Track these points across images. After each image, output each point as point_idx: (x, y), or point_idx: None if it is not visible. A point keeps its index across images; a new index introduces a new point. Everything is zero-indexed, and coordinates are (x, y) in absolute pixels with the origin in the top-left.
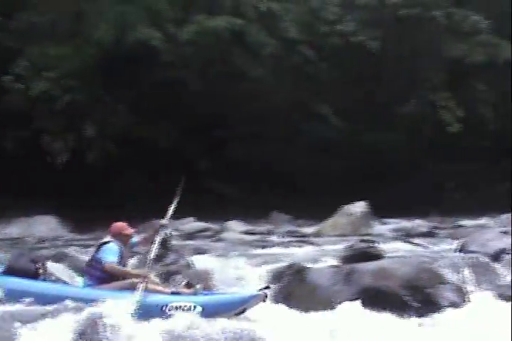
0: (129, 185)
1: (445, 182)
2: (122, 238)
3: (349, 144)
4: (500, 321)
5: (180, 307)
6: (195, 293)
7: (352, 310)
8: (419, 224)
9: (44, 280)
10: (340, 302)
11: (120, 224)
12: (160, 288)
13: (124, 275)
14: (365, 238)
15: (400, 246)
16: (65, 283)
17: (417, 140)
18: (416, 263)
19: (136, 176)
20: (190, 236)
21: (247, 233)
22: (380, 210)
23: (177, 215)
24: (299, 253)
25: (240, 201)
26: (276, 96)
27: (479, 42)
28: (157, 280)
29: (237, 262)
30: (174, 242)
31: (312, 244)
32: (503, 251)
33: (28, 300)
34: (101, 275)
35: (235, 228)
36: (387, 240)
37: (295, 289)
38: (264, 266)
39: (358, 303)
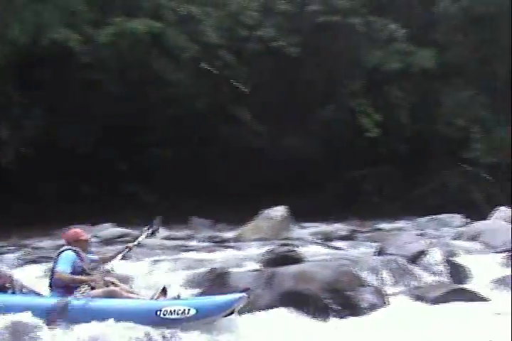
0: (45, 188)
1: (363, 186)
2: (79, 244)
3: (268, 148)
4: (418, 322)
5: (174, 311)
6: (176, 298)
7: (273, 313)
8: (338, 227)
9: (13, 293)
10: (261, 306)
11: (74, 231)
12: (134, 295)
13: (75, 283)
14: (286, 242)
15: (319, 250)
16: (37, 294)
17: (336, 144)
18: (336, 266)
19: (53, 179)
20: (110, 241)
21: (167, 238)
22: (300, 214)
23: (95, 221)
24: (220, 257)
25: (160, 206)
26: (195, 100)
27: (396, 50)
28: (128, 287)
29: (158, 267)
30: (93, 249)
31: (233, 248)
32: (420, 253)
33: None
34: (62, 284)
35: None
36: (307, 244)
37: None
38: (185, 271)
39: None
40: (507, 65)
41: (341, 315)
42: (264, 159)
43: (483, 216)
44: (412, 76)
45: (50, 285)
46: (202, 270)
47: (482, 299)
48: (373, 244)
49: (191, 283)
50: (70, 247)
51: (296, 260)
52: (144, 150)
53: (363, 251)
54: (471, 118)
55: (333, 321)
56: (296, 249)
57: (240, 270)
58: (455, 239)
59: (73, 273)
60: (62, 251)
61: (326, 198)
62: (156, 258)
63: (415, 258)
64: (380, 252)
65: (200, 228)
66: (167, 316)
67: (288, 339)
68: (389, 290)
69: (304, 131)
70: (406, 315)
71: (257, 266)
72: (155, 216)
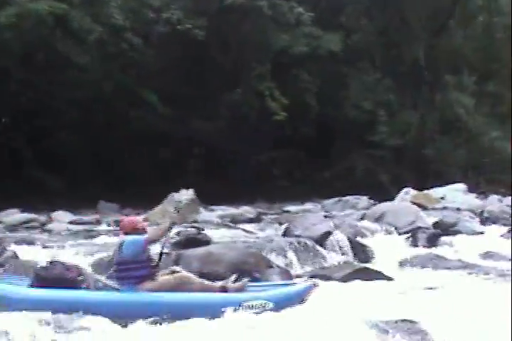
0: None
1: (272, 169)
2: (138, 233)
3: (176, 132)
4: (328, 302)
5: (254, 305)
6: (243, 288)
7: None
8: (246, 210)
9: (86, 288)
10: None
11: (130, 219)
12: (206, 282)
13: (166, 231)
14: (193, 225)
15: (227, 233)
16: (114, 289)
17: (244, 127)
18: (243, 248)
19: None
20: (15, 227)
21: (74, 223)
22: (208, 197)
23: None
24: None
25: (66, 191)
26: (102, 83)
27: (303, 34)
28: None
29: (63, 252)
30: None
31: None
32: (326, 234)
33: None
34: (138, 274)
35: (62, 219)
36: (214, 226)
37: None
38: (91, 256)
39: None
40: (412, 49)
41: None
42: (173, 143)
43: (388, 197)
44: (319, 59)
45: (117, 278)
46: (108, 254)
47: (386, 278)
48: (280, 226)
49: (97, 267)
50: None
51: (204, 242)
52: (50, 135)
53: (270, 233)
54: (377, 102)
55: None
56: (203, 231)
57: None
58: (360, 220)
59: (138, 261)
60: (124, 241)
61: (235, 181)
62: (62, 243)
63: (321, 239)
64: (287, 234)
65: (107, 212)
66: (247, 311)
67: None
68: (296, 270)
69: (212, 114)
70: (314, 295)
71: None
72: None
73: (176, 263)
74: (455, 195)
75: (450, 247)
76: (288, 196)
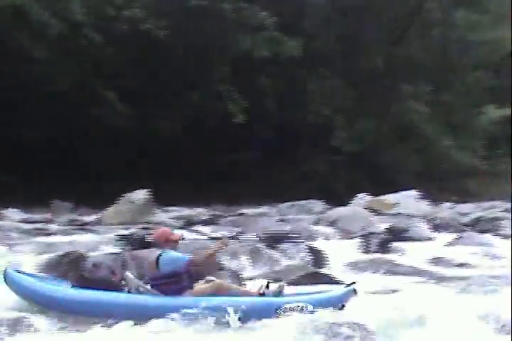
0: None
1: (229, 171)
2: (170, 244)
3: (134, 131)
4: None
5: (293, 308)
6: (279, 292)
7: None
8: (201, 212)
9: (129, 292)
10: None
11: (164, 230)
12: (244, 288)
13: (212, 257)
14: (146, 226)
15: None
16: (155, 294)
17: (204, 129)
18: (194, 249)
19: None
20: None
21: (25, 222)
22: (165, 198)
23: None
24: (78, 241)
25: (19, 188)
26: (60, 79)
27: (265, 38)
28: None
29: (13, 251)
30: None
31: (92, 232)
32: (279, 238)
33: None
34: (178, 287)
35: (13, 216)
36: (168, 228)
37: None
38: (41, 255)
39: None
40: (370, 57)
41: None
42: (130, 142)
43: (344, 202)
44: (280, 64)
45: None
46: (58, 253)
47: (336, 282)
48: (234, 228)
49: (46, 266)
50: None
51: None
52: (3, 131)
53: (224, 235)
54: (336, 108)
55: None
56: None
57: (97, 253)
58: (314, 224)
59: (177, 275)
60: (161, 255)
61: (192, 183)
62: (12, 241)
63: (274, 242)
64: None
65: (60, 211)
66: (287, 313)
67: None
68: (247, 273)
69: (171, 114)
70: None
71: (115, 250)
72: None
73: (125, 264)
74: (408, 201)
75: (401, 253)
76: (245, 199)
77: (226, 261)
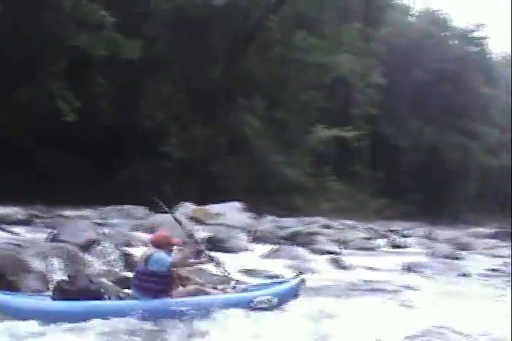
0: None
1: (54, 171)
2: (169, 248)
3: None
4: None
5: (263, 301)
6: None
7: None
8: (16, 211)
9: (109, 299)
10: None
11: (163, 235)
12: (209, 289)
13: (186, 258)
14: None
15: None
16: (135, 298)
17: (34, 127)
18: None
19: None
20: None
21: None
22: None
23: None
24: None
25: None
26: None
27: (103, 38)
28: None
29: None
30: None
31: None
32: (92, 241)
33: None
34: (156, 287)
35: None
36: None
37: None
38: None
39: None
40: (210, 67)
41: None
42: None
43: (171, 209)
44: (117, 65)
45: (135, 285)
46: None
47: None
48: (49, 230)
49: None
50: (158, 250)
51: None
52: None
53: (37, 236)
54: (170, 114)
55: None
56: None
57: None
58: (133, 230)
59: (159, 276)
60: (152, 254)
61: (15, 180)
62: None
63: (87, 246)
64: (53, 238)
65: None
66: (258, 305)
67: None
68: (57, 276)
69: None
70: None
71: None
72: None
73: None
74: (232, 212)
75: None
76: (69, 201)
77: (34, 263)
